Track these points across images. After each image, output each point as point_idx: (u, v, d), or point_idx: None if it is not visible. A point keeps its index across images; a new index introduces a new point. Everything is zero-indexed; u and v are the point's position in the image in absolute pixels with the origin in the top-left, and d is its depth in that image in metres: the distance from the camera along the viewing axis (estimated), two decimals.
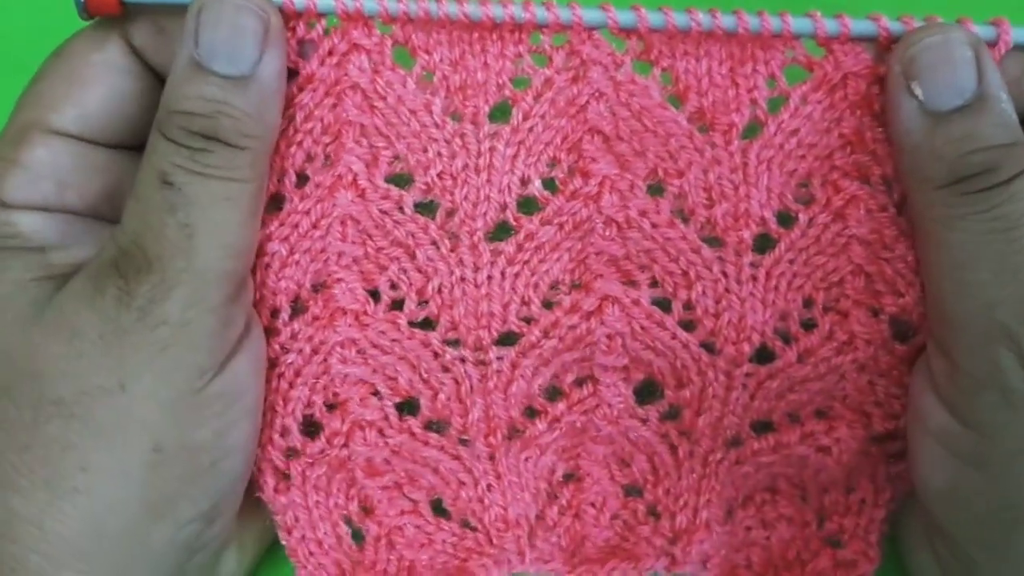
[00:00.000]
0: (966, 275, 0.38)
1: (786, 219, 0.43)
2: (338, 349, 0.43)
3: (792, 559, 0.46)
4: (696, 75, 0.42)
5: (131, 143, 0.42)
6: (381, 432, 0.44)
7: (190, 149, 0.38)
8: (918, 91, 0.38)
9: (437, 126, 0.42)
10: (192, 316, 0.38)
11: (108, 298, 0.37)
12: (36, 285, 0.38)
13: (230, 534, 0.43)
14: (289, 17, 0.40)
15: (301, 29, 0.41)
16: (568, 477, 0.47)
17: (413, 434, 0.44)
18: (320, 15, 0.41)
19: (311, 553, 0.45)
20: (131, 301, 0.37)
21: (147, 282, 0.37)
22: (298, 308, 0.43)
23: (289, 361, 0.43)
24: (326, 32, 0.41)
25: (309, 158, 0.42)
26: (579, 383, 0.45)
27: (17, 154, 0.40)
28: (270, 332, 0.42)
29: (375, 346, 0.43)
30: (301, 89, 0.41)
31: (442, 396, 0.44)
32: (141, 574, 0.38)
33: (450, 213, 0.42)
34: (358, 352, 0.43)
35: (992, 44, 0.39)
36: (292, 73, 0.41)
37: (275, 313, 0.43)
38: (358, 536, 0.46)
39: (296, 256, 0.42)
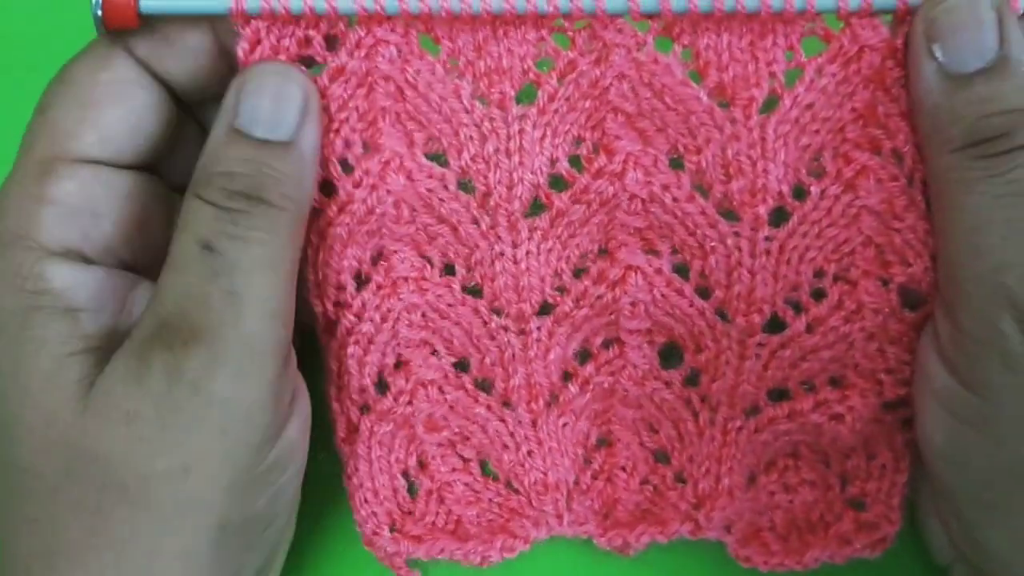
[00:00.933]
0: (978, 238, 0.38)
1: (800, 192, 0.43)
2: (404, 314, 0.45)
3: (815, 521, 0.47)
4: (716, 50, 0.42)
5: (152, 162, 0.41)
6: (440, 389, 0.46)
7: (231, 211, 0.37)
8: (938, 53, 0.39)
9: (467, 111, 0.43)
10: (246, 391, 0.37)
11: (157, 374, 0.36)
12: (75, 361, 0.37)
13: None
14: (311, 21, 0.41)
15: (323, 27, 0.41)
16: (601, 443, 0.49)
17: (466, 390, 0.47)
18: (341, 17, 0.41)
19: (366, 500, 0.47)
20: (181, 376, 0.36)
21: (196, 356, 0.36)
22: (361, 281, 0.45)
23: (363, 330, 0.45)
24: (350, 25, 0.41)
25: (347, 144, 0.43)
26: (606, 345, 0.47)
27: (45, 190, 0.38)
28: (340, 305, 0.45)
29: (434, 310, 0.45)
30: (333, 80, 0.42)
31: (487, 360, 0.46)
32: None
33: (486, 195, 0.43)
34: (421, 316, 0.45)
35: None
36: (311, 64, 0.42)
37: (341, 288, 0.44)
38: (412, 491, 0.49)
39: (356, 238, 0.43)
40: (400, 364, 0.46)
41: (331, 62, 0.42)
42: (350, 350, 0.45)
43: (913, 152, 0.42)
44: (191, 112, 0.44)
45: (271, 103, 0.39)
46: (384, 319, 0.45)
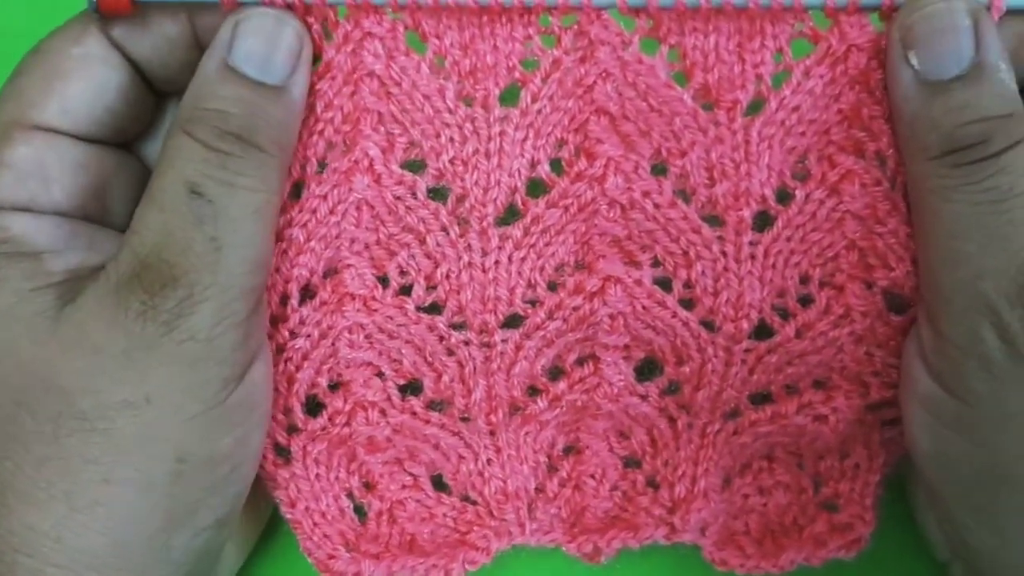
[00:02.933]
0: (956, 245, 0.38)
1: (784, 196, 0.43)
2: (346, 334, 0.43)
3: (789, 524, 0.48)
4: (703, 51, 0.41)
5: (114, 139, 0.41)
6: (383, 412, 0.44)
7: (221, 154, 0.37)
8: (914, 61, 0.38)
9: (450, 111, 0.42)
10: (219, 331, 0.37)
11: (132, 313, 0.36)
12: (38, 295, 0.37)
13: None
14: (303, 11, 0.40)
15: (318, 16, 0.41)
16: (568, 450, 0.48)
17: (415, 413, 0.45)
18: (331, 6, 0.41)
19: (315, 524, 0.45)
20: (156, 316, 0.36)
21: (173, 297, 0.36)
22: (307, 294, 0.43)
23: (297, 346, 0.43)
24: (338, 16, 0.41)
25: (330, 146, 0.42)
26: (580, 362, 0.45)
27: (0, 153, 0.39)
28: (277, 319, 0.43)
29: (382, 330, 0.43)
30: (321, 77, 0.41)
31: (445, 378, 0.44)
32: None
33: (461, 199, 0.42)
34: (365, 337, 0.43)
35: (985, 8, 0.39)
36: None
37: (284, 300, 0.43)
38: (360, 512, 0.47)
39: (312, 243, 0.42)
40: (338, 385, 0.44)
41: (324, 55, 0.41)
42: (280, 367, 0.43)
43: (896, 155, 0.41)
44: (167, 99, 0.44)
45: (267, 45, 0.39)
46: (323, 336, 0.43)
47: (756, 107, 0.42)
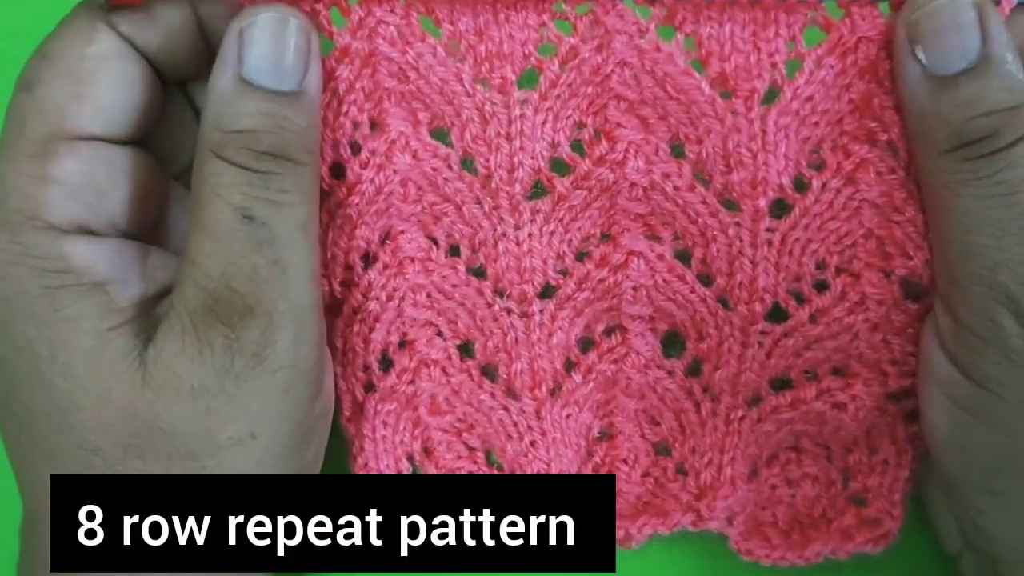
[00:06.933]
0: (969, 238, 0.38)
1: (800, 184, 0.43)
2: (409, 294, 0.45)
3: (817, 517, 0.47)
4: (719, 40, 0.42)
5: (139, 137, 0.40)
6: (444, 371, 0.47)
7: (262, 174, 0.37)
8: (921, 56, 0.38)
9: (468, 94, 0.43)
10: (302, 353, 0.38)
11: (218, 349, 0.36)
12: (117, 336, 0.37)
13: None
14: None
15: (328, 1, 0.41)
16: (603, 436, 0.49)
17: (471, 375, 0.47)
18: None
19: None
20: (243, 349, 0.37)
21: (254, 327, 0.37)
22: (368, 259, 0.45)
23: (369, 309, 0.45)
24: (349, 2, 0.41)
25: (355, 125, 0.43)
26: (608, 333, 0.47)
27: (46, 170, 0.37)
28: (348, 284, 0.45)
29: (439, 290, 0.46)
30: (339, 62, 0.42)
31: (491, 344, 0.46)
32: None
33: (487, 177, 0.44)
34: (426, 295, 0.46)
35: (995, 2, 0.38)
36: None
37: (349, 268, 0.45)
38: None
39: (365, 218, 0.44)
40: (404, 343, 0.47)
41: (337, 40, 0.42)
42: (356, 328, 0.45)
43: (908, 145, 0.41)
44: (174, 90, 0.43)
45: (277, 50, 0.38)
46: (390, 298, 0.45)
47: (771, 95, 0.42)
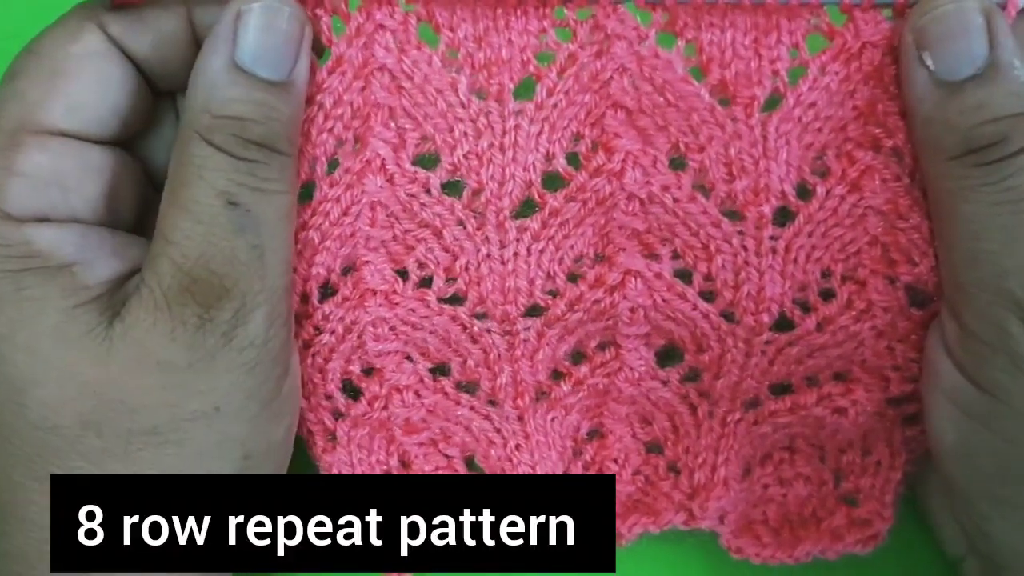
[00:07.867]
0: (977, 245, 0.38)
1: (804, 192, 0.43)
2: (370, 328, 0.44)
3: (808, 516, 0.48)
4: (720, 46, 0.42)
5: (118, 139, 0.40)
6: (417, 393, 0.45)
7: (248, 162, 0.37)
8: (929, 61, 0.38)
9: (463, 105, 0.42)
10: (272, 334, 0.38)
11: (190, 327, 0.37)
12: (83, 312, 0.37)
13: None
14: (314, 2, 0.41)
15: (329, 6, 0.41)
16: (592, 435, 0.49)
17: (446, 394, 0.46)
18: None
19: None
20: (214, 328, 0.37)
21: (228, 308, 0.37)
22: (327, 291, 0.44)
23: (323, 341, 0.43)
24: (350, 8, 0.41)
25: (340, 142, 0.42)
26: (602, 347, 0.46)
27: (12, 161, 0.37)
28: (302, 316, 0.43)
29: (405, 322, 0.44)
30: (331, 72, 0.41)
31: (471, 362, 0.45)
32: None
33: (476, 192, 0.43)
34: (390, 329, 0.44)
35: (1001, 7, 0.39)
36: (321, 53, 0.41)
37: (305, 298, 0.43)
38: None
39: (327, 243, 0.42)
40: (371, 371, 0.45)
41: (334, 50, 0.41)
42: (310, 361, 0.44)
43: (913, 151, 0.41)
44: (165, 97, 0.43)
45: (271, 39, 0.38)
46: (348, 331, 0.43)
47: (772, 103, 0.42)
